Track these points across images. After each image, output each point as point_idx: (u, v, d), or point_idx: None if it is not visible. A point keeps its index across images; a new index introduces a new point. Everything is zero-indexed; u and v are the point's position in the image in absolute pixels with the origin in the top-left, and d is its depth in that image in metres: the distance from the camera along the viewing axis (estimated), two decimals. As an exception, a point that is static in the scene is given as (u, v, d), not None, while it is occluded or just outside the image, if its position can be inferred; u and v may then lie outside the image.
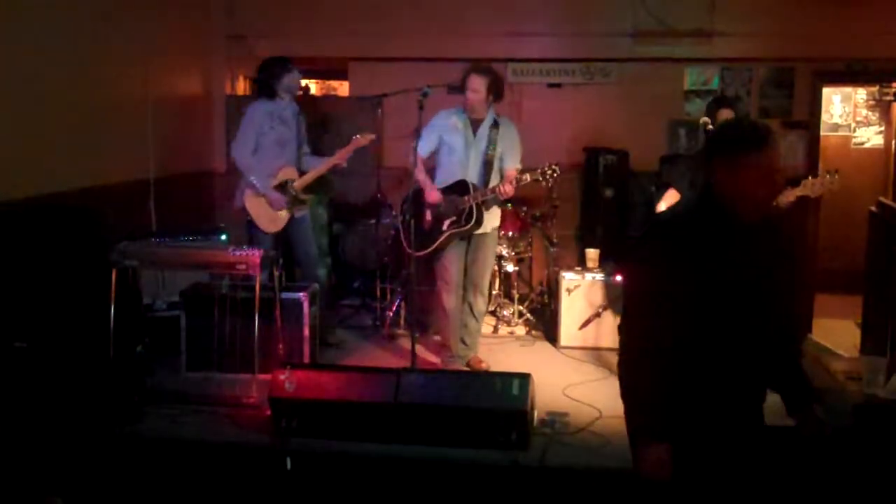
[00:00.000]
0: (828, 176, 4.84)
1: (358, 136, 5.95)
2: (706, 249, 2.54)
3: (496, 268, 6.74)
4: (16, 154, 5.07)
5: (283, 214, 5.93)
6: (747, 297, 2.56)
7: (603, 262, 6.53)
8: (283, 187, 5.91)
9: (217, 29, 7.95)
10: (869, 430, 3.69)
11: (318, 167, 6.05)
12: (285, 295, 5.38)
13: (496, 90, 5.49)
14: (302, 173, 6.02)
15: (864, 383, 3.91)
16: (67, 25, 5.64)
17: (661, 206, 5.50)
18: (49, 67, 5.43)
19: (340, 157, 5.98)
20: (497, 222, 5.72)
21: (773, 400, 2.73)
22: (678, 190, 5.51)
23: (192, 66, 7.75)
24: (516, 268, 6.87)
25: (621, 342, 2.68)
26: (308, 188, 6.02)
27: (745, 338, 2.58)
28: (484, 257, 5.68)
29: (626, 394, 2.65)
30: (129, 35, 6.39)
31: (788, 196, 4.98)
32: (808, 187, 4.91)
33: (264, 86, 5.96)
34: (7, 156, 5.03)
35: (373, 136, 6.02)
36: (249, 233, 6.00)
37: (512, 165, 5.53)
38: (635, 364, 2.60)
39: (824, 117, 8.55)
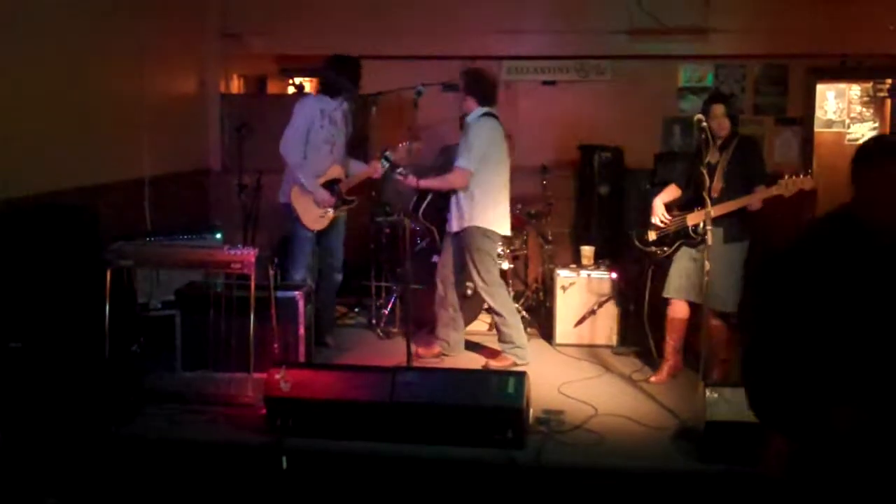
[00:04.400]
0: (800, 175, 4.88)
1: (403, 143, 5.90)
2: (841, 274, 2.42)
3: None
4: (10, 153, 5.06)
5: (330, 213, 5.95)
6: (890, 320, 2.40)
7: (598, 260, 6.54)
8: (330, 186, 5.92)
9: (212, 28, 7.95)
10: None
11: (362, 170, 6.08)
12: (280, 294, 5.37)
13: (470, 89, 5.67)
14: (347, 174, 6.05)
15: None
16: (62, 24, 5.63)
17: (661, 200, 5.51)
18: (43, 66, 5.42)
19: (394, 160, 5.97)
20: (462, 223, 5.74)
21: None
22: (678, 186, 5.54)
23: (186, 65, 7.74)
24: (511, 265, 6.87)
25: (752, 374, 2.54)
26: (351, 191, 6.06)
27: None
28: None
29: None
30: (123, 34, 6.38)
31: (764, 195, 5.00)
32: (783, 186, 4.92)
33: (331, 82, 5.94)
34: (1, 155, 5.01)
35: (419, 145, 5.98)
36: (291, 230, 6.00)
37: (455, 163, 5.66)
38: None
39: (818, 114, 8.56)
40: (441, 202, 6.13)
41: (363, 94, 6.63)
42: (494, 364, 5.73)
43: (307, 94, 5.95)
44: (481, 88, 5.69)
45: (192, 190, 7.67)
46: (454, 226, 5.77)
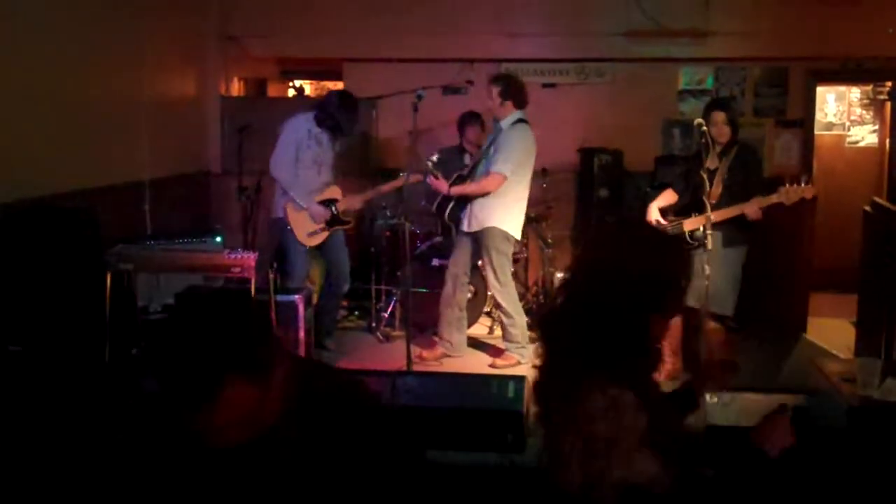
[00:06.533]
0: (802, 184, 4.90)
1: (404, 174, 5.97)
2: None
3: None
4: (10, 156, 5.05)
5: (323, 231, 5.97)
6: None
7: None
8: (326, 204, 5.95)
9: (211, 30, 7.94)
10: (863, 432, 3.70)
11: (362, 195, 6.17)
12: (280, 297, 5.37)
13: (508, 95, 5.70)
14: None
15: (859, 385, 3.90)
16: (61, 26, 5.62)
17: (657, 205, 5.52)
18: (43, 69, 5.41)
19: (385, 190, 6.14)
20: (482, 223, 5.80)
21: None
22: (675, 190, 5.54)
23: (186, 68, 7.73)
24: (511, 268, 6.86)
25: None
26: (347, 212, 6.12)
27: None
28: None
29: None
30: (123, 36, 6.37)
31: (762, 203, 5.00)
32: (783, 195, 4.93)
33: (328, 114, 5.92)
34: (1, 157, 5.01)
35: (419, 178, 6.03)
36: (285, 244, 5.99)
37: (493, 168, 5.69)
38: None
39: (818, 116, 8.55)
40: (462, 203, 6.15)
41: (364, 98, 6.63)
42: (501, 362, 5.83)
43: (296, 114, 5.96)
44: (518, 94, 5.76)
45: (192, 193, 7.67)
46: (472, 225, 5.82)
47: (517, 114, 5.74)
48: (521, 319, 5.92)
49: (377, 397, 1.97)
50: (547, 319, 2.08)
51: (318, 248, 6.07)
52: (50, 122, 5.51)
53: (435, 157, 5.93)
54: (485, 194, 5.73)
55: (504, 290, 5.81)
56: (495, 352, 6.09)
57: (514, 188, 5.73)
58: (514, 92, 5.72)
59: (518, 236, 5.92)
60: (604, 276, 1.99)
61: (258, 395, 1.76)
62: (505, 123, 5.74)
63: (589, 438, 1.87)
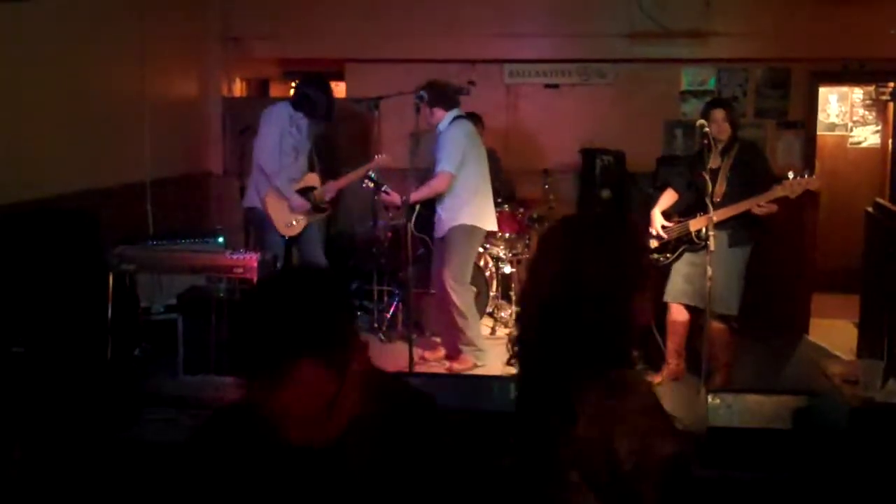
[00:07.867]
0: (806, 176, 4.89)
1: (380, 155, 6.02)
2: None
3: (493, 269, 6.75)
4: (11, 157, 5.06)
5: (301, 220, 5.96)
6: None
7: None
8: (304, 193, 5.94)
9: (213, 31, 7.94)
10: (865, 433, 3.70)
11: (338, 181, 6.13)
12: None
13: (433, 102, 5.72)
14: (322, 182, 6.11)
15: (861, 387, 3.90)
16: (63, 27, 5.63)
17: (659, 210, 5.51)
18: (44, 70, 5.42)
19: (359, 175, 6.06)
20: (447, 225, 5.79)
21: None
22: (676, 190, 5.53)
23: (188, 68, 7.74)
24: (514, 269, 6.87)
25: None
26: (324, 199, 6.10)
27: None
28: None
29: None
30: (125, 37, 6.38)
31: (767, 197, 4.99)
32: (788, 187, 4.92)
33: (307, 99, 5.92)
34: (2, 158, 5.02)
35: (387, 158, 6.08)
36: (260, 233, 6.01)
37: (437, 168, 5.70)
38: None
39: (821, 117, 8.55)
40: (428, 213, 6.15)
41: (365, 98, 6.63)
42: (457, 366, 5.78)
43: (276, 102, 6.00)
44: (444, 97, 5.77)
45: (193, 193, 7.67)
46: (441, 230, 5.83)
47: (452, 113, 5.76)
48: (476, 321, 5.91)
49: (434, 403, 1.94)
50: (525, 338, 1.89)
51: (293, 239, 6.07)
52: (52, 123, 5.52)
53: (370, 174, 5.87)
54: (439, 195, 5.74)
55: (459, 290, 5.74)
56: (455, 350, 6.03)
57: (467, 181, 5.72)
58: (435, 97, 5.72)
59: (489, 226, 5.88)
60: (579, 270, 1.81)
61: (335, 386, 1.67)
62: (442, 126, 5.74)
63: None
